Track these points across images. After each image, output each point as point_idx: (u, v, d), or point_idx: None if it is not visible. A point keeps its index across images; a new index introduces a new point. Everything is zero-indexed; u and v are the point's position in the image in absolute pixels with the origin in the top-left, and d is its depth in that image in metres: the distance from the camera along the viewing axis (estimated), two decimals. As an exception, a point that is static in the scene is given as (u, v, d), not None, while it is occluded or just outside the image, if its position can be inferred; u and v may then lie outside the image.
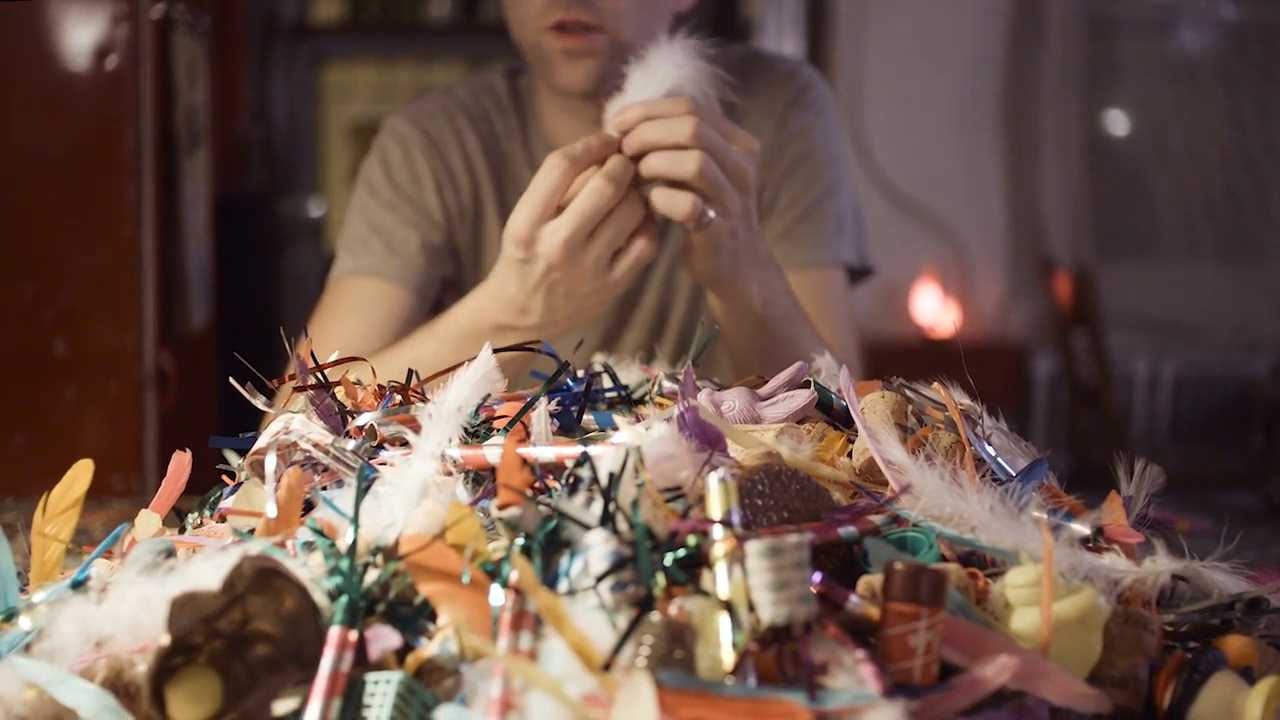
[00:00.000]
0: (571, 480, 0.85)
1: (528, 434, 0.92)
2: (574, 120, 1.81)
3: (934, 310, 4.68)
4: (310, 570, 0.81)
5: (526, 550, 0.80)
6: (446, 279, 1.88)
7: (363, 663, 0.76)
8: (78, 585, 0.87)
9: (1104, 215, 4.95)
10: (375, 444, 0.95)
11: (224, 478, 1.06)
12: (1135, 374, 4.79)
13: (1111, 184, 4.99)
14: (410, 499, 0.86)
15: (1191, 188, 4.95)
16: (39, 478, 1.16)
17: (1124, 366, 4.74)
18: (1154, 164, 4.96)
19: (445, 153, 1.86)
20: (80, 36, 2.34)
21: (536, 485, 0.87)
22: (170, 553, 0.90)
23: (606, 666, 0.69)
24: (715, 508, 0.77)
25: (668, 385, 1.11)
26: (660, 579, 0.75)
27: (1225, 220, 4.94)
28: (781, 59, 1.96)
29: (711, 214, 1.40)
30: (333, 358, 1.04)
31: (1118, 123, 5.08)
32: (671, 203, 1.39)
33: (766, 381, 1.05)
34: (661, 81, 1.43)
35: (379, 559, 0.81)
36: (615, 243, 1.41)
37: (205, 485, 1.08)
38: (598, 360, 1.27)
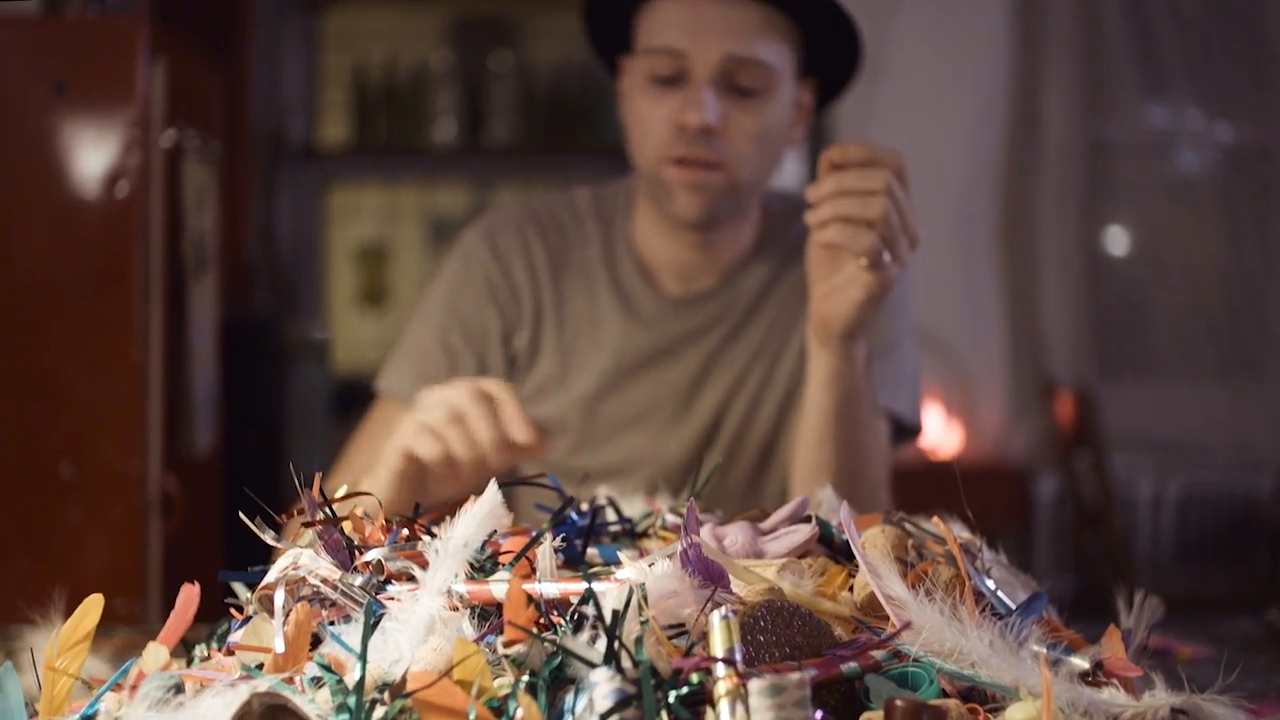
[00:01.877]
0: (576, 617, 0.86)
1: (533, 569, 0.93)
2: (672, 241, 1.89)
3: (937, 432, 4.69)
4: (318, 706, 0.82)
5: (532, 687, 0.80)
6: None
7: (369, 801, 0.76)
8: (87, 721, 0.88)
9: (1104, 335, 4.97)
10: (383, 579, 0.96)
11: (232, 610, 1.07)
12: (1139, 494, 4.78)
13: (1112, 304, 5.02)
14: (417, 635, 0.86)
15: (1191, 307, 4.98)
16: (42, 601, 1.17)
17: (1127, 487, 4.73)
18: (1153, 284, 4.99)
19: (509, 266, 1.92)
20: (91, 163, 2.37)
21: (541, 622, 0.88)
22: (179, 687, 0.90)
23: (611, 806, 0.69)
24: (718, 645, 0.78)
25: (671, 519, 1.12)
26: (664, 717, 0.76)
27: (1225, 339, 4.97)
28: None
29: (887, 256, 1.50)
30: (341, 492, 1.06)
31: (1117, 243, 5.12)
32: (854, 234, 1.49)
33: (768, 515, 1.07)
34: None
35: (386, 695, 0.82)
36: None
37: (211, 610, 1.09)
38: (601, 493, 1.28)
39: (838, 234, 1.50)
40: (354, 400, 5.24)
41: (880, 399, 1.83)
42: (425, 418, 1.50)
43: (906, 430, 1.92)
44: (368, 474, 1.58)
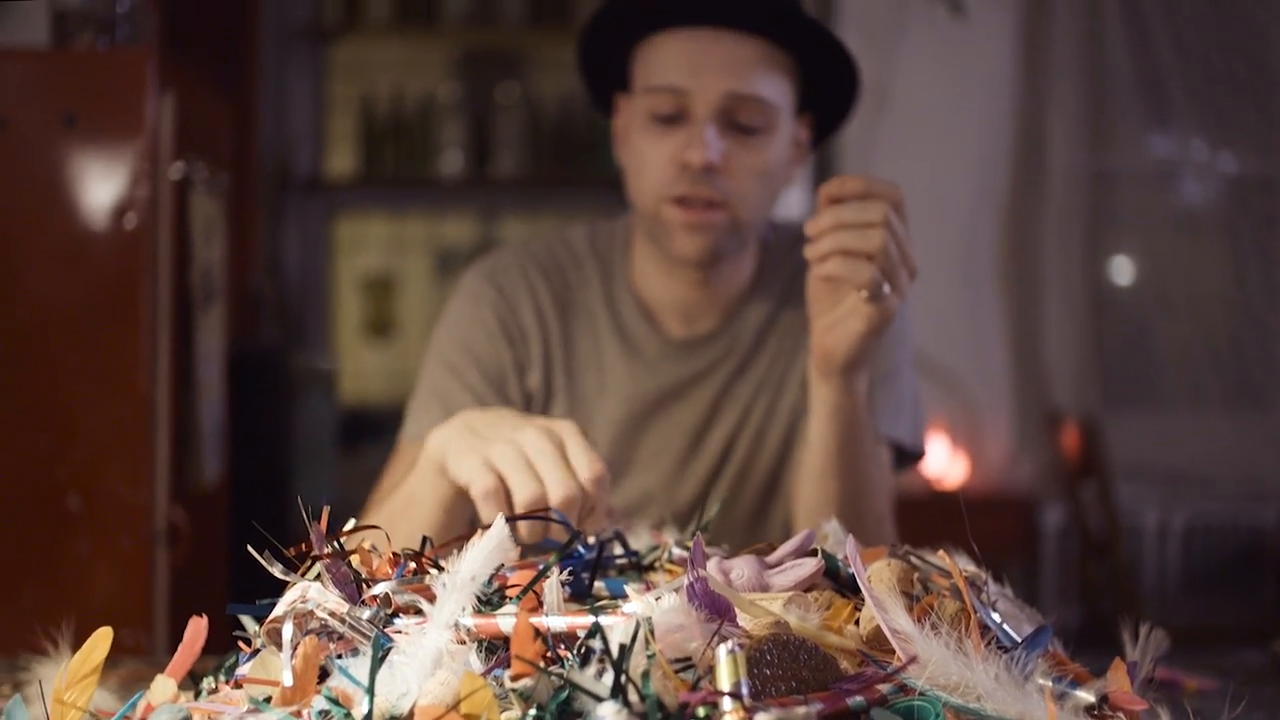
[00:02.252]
0: (583, 650, 0.86)
1: (540, 602, 0.94)
2: (671, 280, 1.89)
3: (942, 462, 4.69)
4: (326, 740, 0.82)
5: (539, 721, 0.81)
6: None
7: (377, 835, 0.77)
8: (96, 754, 0.88)
9: (1109, 366, 4.98)
10: (390, 612, 0.96)
11: (240, 643, 1.07)
12: (1145, 524, 4.78)
13: (1116, 335, 5.02)
14: (425, 668, 0.87)
15: (1196, 338, 4.98)
16: (49, 632, 1.17)
17: (1133, 516, 4.73)
18: (1158, 315, 5.00)
19: (516, 306, 1.90)
20: (100, 195, 2.38)
21: (549, 655, 0.88)
22: (187, 720, 0.91)
23: (618, 840, 0.70)
24: (724, 678, 0.79)
25: (677, 552, 1.12)
26: (671, 751, 0.76)
27: (1230, 370, 4.97)
28: None
29: (887, 288, 1.50)
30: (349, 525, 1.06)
31: (1121, 274, 5.13)
32: (854, 268, 1.49)
33: (774, 549, 1.07)
34: None
35: (394, 729, 0.82)
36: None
37: (217, 642, 1.09)
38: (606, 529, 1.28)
39: (838, 267, 1.50)
40: (361, 431, 5.27)
41: (881, 427, 1.83)
42: (511, 476, 1.33)
43: (909, 456, 1.92)
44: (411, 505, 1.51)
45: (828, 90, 1.86)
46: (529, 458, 1.33)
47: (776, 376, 1.90)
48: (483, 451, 1.36)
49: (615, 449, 1.88)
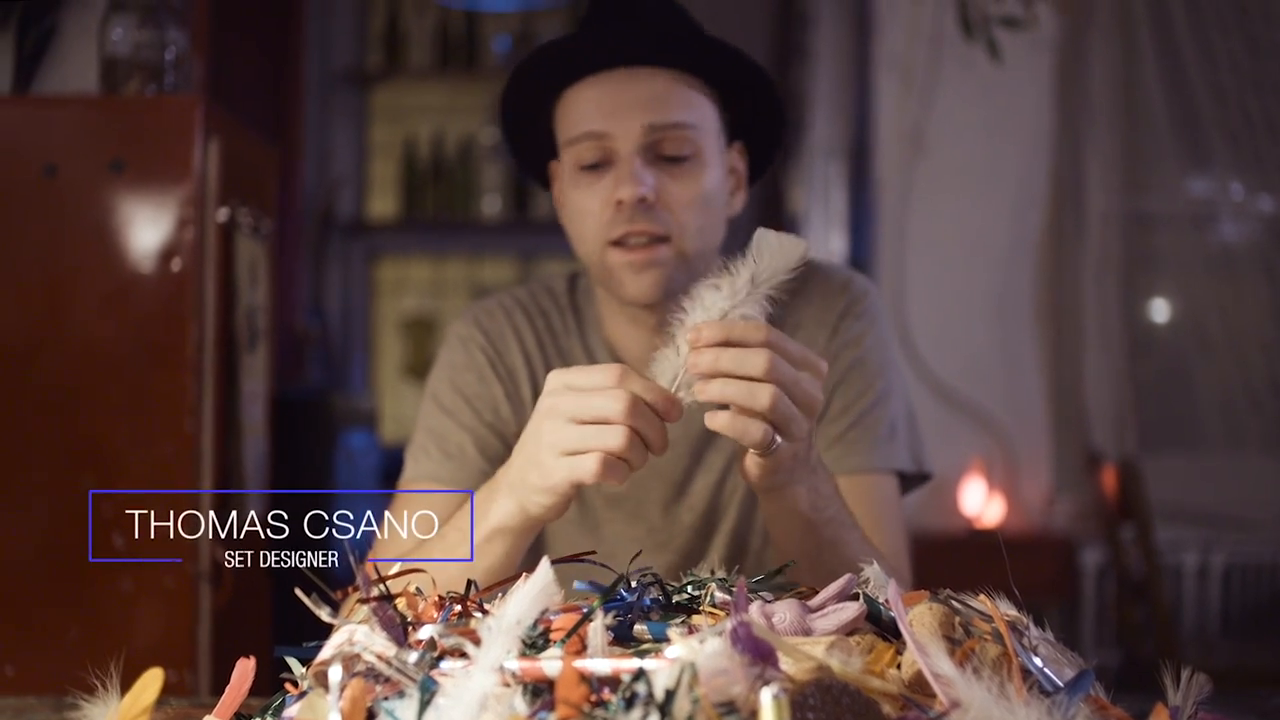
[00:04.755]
0: (628, 694, 0.87)
1: (584, 646, 0.95)
2: (634, 327, 1.86)
3: (981, 504, 4.68)
4: (374, 782, 0.83)
5: (584, 764, 0.82)
6: None
7: None
8: (148, 794, 0.90)
9: (1147, 407, 4.95)
10: (436, 655, 0.97)
11: (287, 685, 1.08)
12: (1184, 566, 4.75)
13: (1154, 376, 5.00)
14: (470, 711, 0.88)
15: (1234, 379, 4.95)
16: (95, 671, 1.19)
17: (1172, 558, 4.70)
18: (1196, 356, 4.97)
19: (503, 349, 1.90)
20: (147, 239, 2.41)
21: (593, 699, 0.89)
22: (237, 762, 0.92)
23: None
24: (768, 723, 0.80)
25: (719, 595, 1.13)
26: (715, 794, 0.77)
27: (1269, 411, 4.93)
28: (837, 269, 1.99)
29: (779, 440, 1.39)
30: (395, 569, 1.08)
31: (1158, 315, 5.12)
32: (744, 429, 1.37)
33: (816, 593, 1.08)
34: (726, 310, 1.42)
35: (441, 771, 0.83)
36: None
37: (262, 683, 1.11)
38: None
39: (727, 426, 1.38)
40: (401, 471, 5.28)
41: (876, 460, 1.80)
42: (606, 443, 1.34)
43: (912, 478, 1.89)
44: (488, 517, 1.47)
45: (754, 114, 1.84)
46: (575, 417, 1.35)
47: None
48: (545, 454, 1.37)
49: (601, 497, 1.87)
